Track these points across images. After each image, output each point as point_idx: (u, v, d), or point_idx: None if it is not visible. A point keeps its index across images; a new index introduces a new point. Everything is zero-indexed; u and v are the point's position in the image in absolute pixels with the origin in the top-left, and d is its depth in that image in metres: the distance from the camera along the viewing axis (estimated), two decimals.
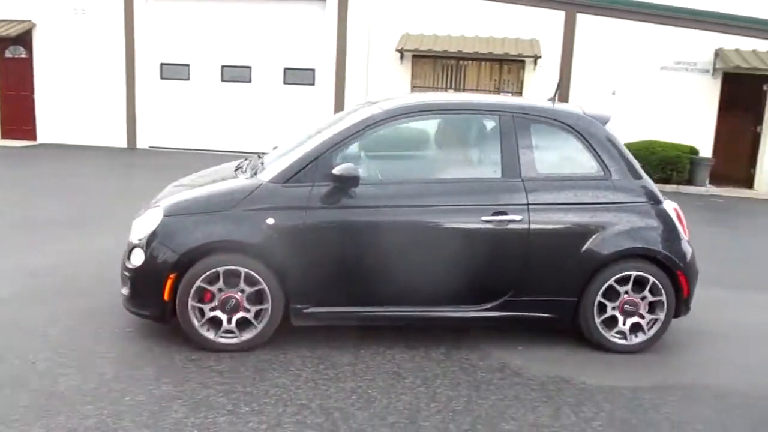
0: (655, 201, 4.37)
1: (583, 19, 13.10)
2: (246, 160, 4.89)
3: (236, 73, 14.06)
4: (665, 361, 4.20)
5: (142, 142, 14.30)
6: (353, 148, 4.26)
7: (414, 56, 13.34)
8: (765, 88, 13.34)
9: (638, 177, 4.39)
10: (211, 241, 3.93)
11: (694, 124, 13.24)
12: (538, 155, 4.28)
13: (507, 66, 13.39)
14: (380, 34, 13.38)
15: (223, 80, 14.13)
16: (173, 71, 14.22)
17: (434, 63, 13.50)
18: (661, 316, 4.26)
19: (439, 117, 4.63)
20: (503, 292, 4.20)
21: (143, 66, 14.07)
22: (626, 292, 4.22)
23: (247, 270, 3.91)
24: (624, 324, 4.25)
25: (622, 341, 4.28)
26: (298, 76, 13.93)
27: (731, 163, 13.05)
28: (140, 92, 14.13)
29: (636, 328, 4.27)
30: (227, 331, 3.98)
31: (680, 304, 4.32)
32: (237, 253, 3.95)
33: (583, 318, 4.25)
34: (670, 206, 4.42)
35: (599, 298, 4.21)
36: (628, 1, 13.20)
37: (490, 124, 4.41)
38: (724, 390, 3.82)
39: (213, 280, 3.92)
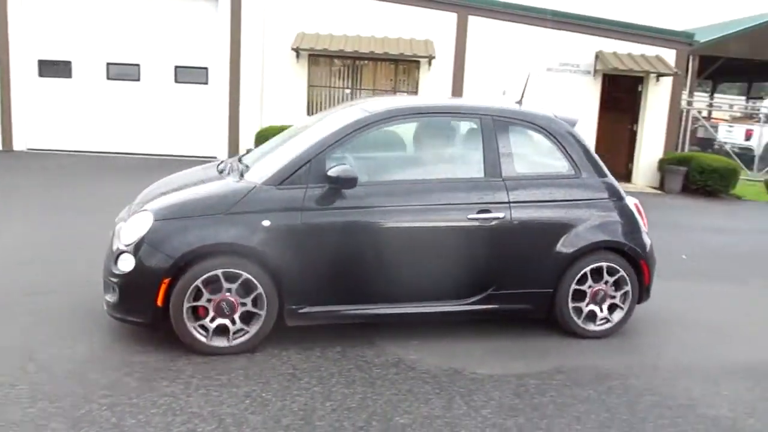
0: (618, 197, 4.71)
1: (474, 21, 13.54)
2: (222, 162, 4.89)
3: (123, 71, 13.37)
4: (550, 348, 4.41)
5: (19, 144, 13.33)
6: (343, 149, 4.29)
7: (310, 55, 13.25)
8: (639, 88, 14.32)
9: (603, 175, 4.72)
10: (207, 244, 3.89)
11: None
12: (516, 156, 4.51)
13: (403, 66, 13.59)
14: (275, 33, 13.20)
15: (109, 78, 13.40)
16: (53, 68, 13.33)
17: (331, 62, 13.48)
18: (627, 302, 4.62)
19: (425, 120, 4.74)
20: (487, 286, 4.40)
21: (19, 62, 13.10)
22: (605, 282, 4.57)
23: (243, 272, 3.90)
24: (599, 311, 4.59)
25: (593, 327, 4.59)
26: (191, 75, 13.47)
27: (612, 159, 13.83)
28: (16, 91, 13.14)
29: (601, 315, 4.60)
30: (222, 334, 3.96)
31: (642, 291, 4.70)
32: (233, 255, 3.94)
33: (558, 308, 4.52)
34: (631, 202, 4.78)
35: (573, 287, 4.50)
36: (517, 5, 13.81)
37: (471, 126, 4.62)
38: (605, 372, 4.07)
39: (208, 283, 3.88)
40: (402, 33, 13.39)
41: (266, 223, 3.95)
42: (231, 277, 3.90)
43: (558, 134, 4.64)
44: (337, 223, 4.11)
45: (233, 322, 3.96)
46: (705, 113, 24.43)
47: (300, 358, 3.99)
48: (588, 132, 14.06)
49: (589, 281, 4.53)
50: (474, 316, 4.49)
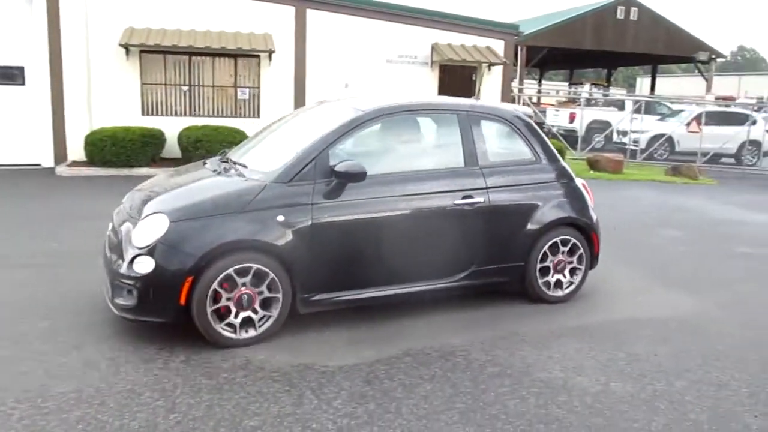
0: (570, 179, 5.36)
1: (313, 15, 13.52)
2: (207, 162, 5.11)
3: None
4: (400, 333, 4.51)
5: None
6: (343, 146, 4.54)
7: (142, 52, 12.51)
8: (474, 77, 15.12)
9: (557, 160, 5.32)
10: (227, 241, 4.04)
11: None
12: (489, 146, 5.04)
13: (243, 61, 13.27)
14: (100, 28, 12.29)
15: None
16: None
17: (164, 59, 12.81)
18: (582, 267, 5.30)
19: (412, 116, 5.07)
20: (470, 264, 4.86)
21: None
22: (562, 253, 5.20)
23: (259, 266, 4.09)
24: (563, 278, 5.24)
25: (558, 292, 5.21)
26: (5, 75, 12.19)
27: None
28: None
29: (565, 281, 5.25)
30: (243, 326, 4.13)
31: (593, 259, 5.42)
32: (252, 251, 4.11)
33: (527, 278, 5.08)
34: (579, 182, 5.43)
35: (539, 260, 5.09)
36: None
37: (452, 121, 5.01)
38: (450, 349, 4.23)
39: (228, 278, 4.03)
40: (240, 27, 13.06)
41: (280, 218, 4.18)
42: (248, 272, 4.08)
43: (520, 126, 5.23)
44: (343, 214, 4.38)
45: (255, 312, 4.16)
46: (535, 99, 26.35)
47: (139, 372, 3.74)
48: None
49: (551, 254, 5.15)
50: (460, 291, 4.93)
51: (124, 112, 12.49)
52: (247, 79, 13.45)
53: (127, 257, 4.05)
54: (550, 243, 5.11)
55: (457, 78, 14.98)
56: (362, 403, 3.48)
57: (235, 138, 11.78)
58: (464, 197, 4.78)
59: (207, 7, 12.85)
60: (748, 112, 18.16)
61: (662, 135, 17.37)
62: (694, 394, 3.76)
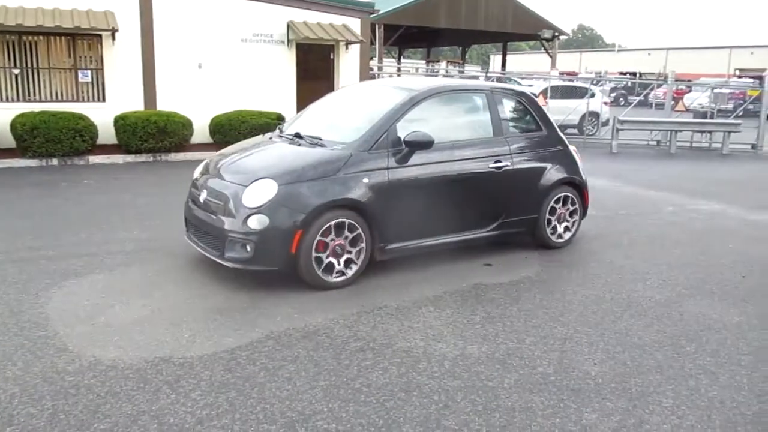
0: (565, 146, 6.49)
1: None
2: (272, 136, 6.00)
3: None
4: (260, 316, 4.42)
5: None
6: (404, 120, 5.36)
7: None
8: (332, 56, 15.06)
9: (555, 130, 6.48)
10: (329, 200, 4.86)
11: (277, 91, 14.24)
12: (509, 119, 6.17)
13: (84, 41, 12.28)
14: None
15: None
16: None
17: None
18: (577, 219, 6.55)
19: (453, 95, 6.04)
20: (499, 216, 5.93)
21: None
22: (563, 206, 6.39)
23: (351, 221, 4.96)
24: (563, 227, 6.43)
25: (560, 240, 6.40)
26: None
27: None
28: None
29: (566, 229, 6.47)
30: (339, 272, 4.98)
31: (584, 211, 6.66)
32: (345, 209, 4.95)
33: (538, 228, 6.21)
34: (572, 149, 6.58)
35: (548, 212, 6.23)
36: None
37: (481, 99, 6.06)
38: (312, 329, 4.22)
39: (326, 232, 4.85)
40: (77, 4, 12.04)
41: (366, 180, 5.03)
42: (343, 226, 4.93)
43: (529, 102, 6.42)
44: (411, 176, 5.28)
45: (341, 261, 4.98)
46: (396, 77, 26.80)
47: None
48: (288, 101, 14.43)
49: (556, 208, 6.29)
50: (491, 239, 5.97)
51: None
52: (89, 61, 12.48)
53: (240, 216, 4.78)
54: (555, 198, 6.26)
55: (314, 57, 14.84)
56: (223, 391, 3.38)
57: (78, 124, 10.93)
58: (495, 162, 5.79)
59: None
60: (587, 86, 19.63)
61: None
62: (542, 349, 4.03)
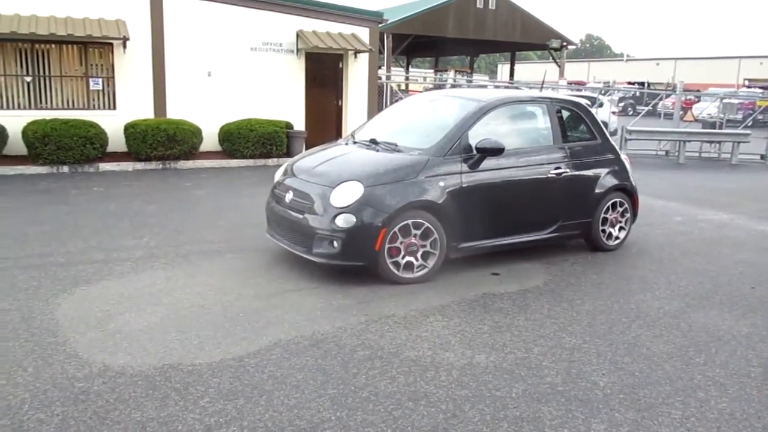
0: (617, 154, 6.83)
1: (170, 1, 12.86)
2: (347, 142, 6.36)
3: None
4: (269, 324, 4.43)
5: None
6: (473, 129, 5.70)
7: None
8: (341, 65, 15.12)
9: (608, 139, 6.80)
10: (409, 201, 5.23)
11: (286, 100, 14.31)
12: (567, 128, 6.52)
13: (94, 49, 12.39)
14: None
15: None
16: None
17: (2, 47, 11.68)
18: (628, 223, 6.85)
19: (516, 105, 6.37)
20: (557, 220, 6.26)
21: None
22: (616, 212, 6.69)
23: (425, 222, 5.30)
24: (615, 231, 6.73)
25: (612, 242, 6.70)
26: None
27: (321, 134, 14.49)
28: None
29: (620, 230, 6.79)
30: (415, 268, 5.34)
31: (635, 216, 6.96)
32: (421, 209, 5.30)
33: (593, 231, 6.53)
34: (623, 156, 6.92)
35: (602, 217, 6.54)
36: None
37: (543, 109, 6.44)
38: (321, 337, 4.23)
39: (405, 231, 5.23)
40: (89, 12, 12.17)
41: (442, 183, 5.40)
42: (420, 226, 5.28)
43: (586, 113, 6.78)
44: (482, 180, 5.63)
45: (417, 258, 5.36)
46: (403, 86, 26.88)
47: None
48: (297, 109, 14.50)
49: (609, 212, 6.61)
50: (549, 242, 6.33)
51: None
52: (100, 69, 12.59)
53: (328, 215, 5.15)
54: (609, 203, 6.57)
55: (323, 66, 14.91)
56: (231, 399, 3.39)
57: (89, 132, 11.03)
58: (556, 168, 6.13)
59: None
60: (596, 95, 19.62)
61: None
62: (550, 359, 4.02)
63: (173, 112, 12.95)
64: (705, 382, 3.80)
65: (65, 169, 10.98)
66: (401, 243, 5.24)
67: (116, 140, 11.90)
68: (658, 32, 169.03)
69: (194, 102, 13.18)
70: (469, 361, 3.95)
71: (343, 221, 5.10)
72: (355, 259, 5.19)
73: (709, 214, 9.03)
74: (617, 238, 6.75)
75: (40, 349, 3.91)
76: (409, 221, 5.23)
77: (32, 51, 11.98)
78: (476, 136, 5.65)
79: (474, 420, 3.27)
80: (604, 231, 6.61)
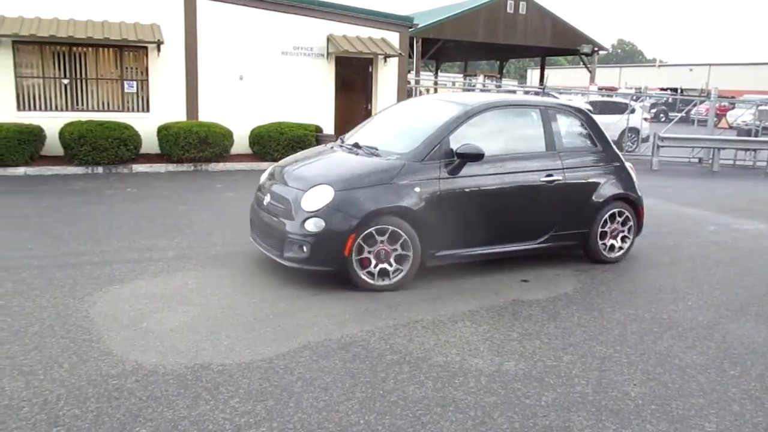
0: (621, 162, 6.54)
1: (204, 5, 13.07)
2: (332, 145, 6.27)
3: None
4: (298, 327, 4.46)
5: None
6: (455, 133, 5.51)
7: (15, 42, 11.63)
8: (370, 69, 15.18)
9: (611, 146, 6.53)
10: (381, 207, 5.09)
11: (316, 104, 14.41)
12: (563, 134, 6.18)
13: (129, 53, 12.63)
14: None
15: None
16: None
17: (42, 50, 11.98)
18: (631, 235, 6.48)
19: (506, 110, 6.15)
20: (549, 229, 5.98)
21: None
22: (617, 222, 6.36)
23: (395, 228, 5.12)
24: (617, 243, 6.40)
25: (612, 254, 6.37)
26: None
27: None
28: None
29: (621, 242, 6.44)
30: (384, 275, 5.18)
31: (639, 228, 6.61)
32: (395, 215, 5.14)
33: (590, 242, 6.23)
34: (628, 165, 6.62)
35: (601, 227, 6.23)
36: None
37: (535, 113, 6.17)
38: (349, 340, 4.24)
39: (377, 236, 5.08)
40: (124, 17, 12.42)
41: (417, 189, 5.22)
42: (392, 232, 5.12)
43: (587, 119, 6.48)
44: (462, 187, 5.44)
45: (390, 264, 5.19)
46: (432, 90, 26.88)
47: (17, 387, 3.49)
48: (326, 113, 14.59)
49: (609, 223, 6.30)
50: (540, 251, 6.04)
51: None
52: (135, 72, 12.83)
53: (298, 219, 5.07)
54: (608, 214, 6.27)
55: (353, 70, 14.99)
56: (261, 400, 3.42)
57: (123, 133, 11.24)
58: (547, 175, 5.88)
59: None
60: (627, 101, 19.38)
61: None
62: (580, 368, 3.98)
63: (205, 115, 13.13)
64: (740, 395, 3.73)
65: (100, 169, 11.20)
66: (371, 250, 5.10)
67: (149, 142, 12.11)
68: (691, 38, 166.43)
69: (225, 105, 13.35)
70: (498, 367, 3.93)
71: (313, 225, 5.03)
72: (325, 264, 5.11)
73: (743, 224, 8.85)
74: (620, 248, 6.42)
75: (75, 346, 3.99)
76: (381, 227, 5.08)
77: (70, 54, 12.26)
78: (459, 141, 5.44)
79: (503, 427, 3.25)
80: (604, 242, 6.31)
